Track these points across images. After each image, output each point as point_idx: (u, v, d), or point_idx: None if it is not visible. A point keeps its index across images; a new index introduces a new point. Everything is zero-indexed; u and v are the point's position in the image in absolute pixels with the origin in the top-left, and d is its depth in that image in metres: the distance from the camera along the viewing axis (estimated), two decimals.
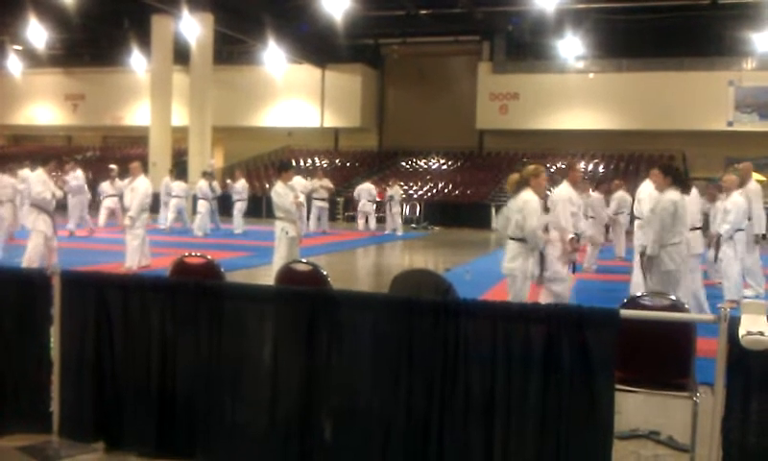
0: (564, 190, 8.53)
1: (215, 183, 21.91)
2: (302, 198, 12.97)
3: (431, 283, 4.60)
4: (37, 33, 29.39)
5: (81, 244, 15.68)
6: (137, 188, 12.32)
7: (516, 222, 7.37)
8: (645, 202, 9.94)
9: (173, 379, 4.32)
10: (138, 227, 12.17)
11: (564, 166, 31.27)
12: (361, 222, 23.31)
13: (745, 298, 9.28)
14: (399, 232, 22.88)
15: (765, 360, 3.41)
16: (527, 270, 7.32)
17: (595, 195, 15.05)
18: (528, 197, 7.34)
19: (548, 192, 8.81)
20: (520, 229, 7.31)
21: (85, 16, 28.91)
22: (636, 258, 10.20)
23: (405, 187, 28.01)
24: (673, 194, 7.48)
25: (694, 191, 9.52)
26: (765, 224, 11.23)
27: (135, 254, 12.10)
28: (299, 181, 18.88)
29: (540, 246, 7.37)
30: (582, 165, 32.38)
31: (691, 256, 8.86)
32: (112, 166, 20.68)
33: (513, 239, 7.44)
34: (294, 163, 31.26)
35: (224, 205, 22.51)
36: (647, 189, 10.12)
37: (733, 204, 9.97)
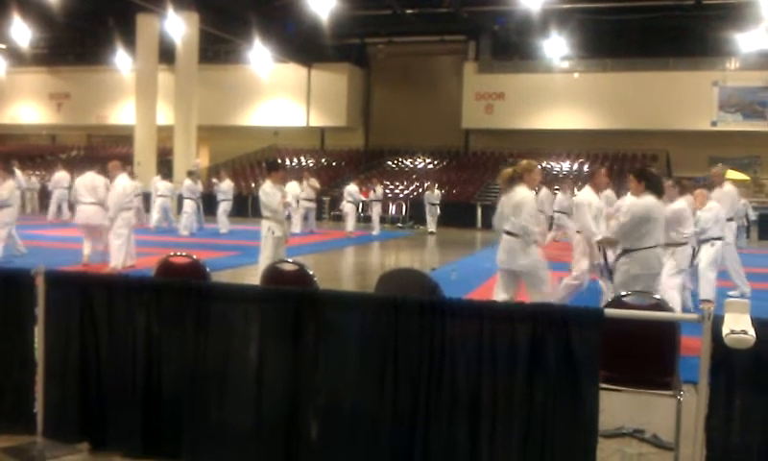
0: (586, 195, 8.63)
1: (198, 182, 21.84)
2: (290, 197, 12.94)
3: (417, 283, 4.60)
4: (22, 32, 29.18)
5: (65, 244, 15.57)
6: (115, 187, 12.23)
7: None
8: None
9: (158, 380, 4.30)
10: (122, 226, 12.09)
11: (551, 166, 31.44)
12: (348, 222, 23.30)
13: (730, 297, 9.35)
14: (375, 232, 22.87)
15: (748, 359, 3.44)
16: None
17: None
18: (524, 192, 7.38)
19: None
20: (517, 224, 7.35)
21: (70, 15, 28.78)
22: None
23: (391, 186, 27.94)
24: (648, 199, 7.42)
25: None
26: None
27: (120, 253, 12.02)
28: (292, 187, 18.95)
29: (532, 240, 7.37)
30: (566, 164, 32.57)
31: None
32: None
33: (509, 234, 7.45)
34: (280, 162, 31.18)
35: (209, 204, 22.44)
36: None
37: (708, 209, 9.94)
